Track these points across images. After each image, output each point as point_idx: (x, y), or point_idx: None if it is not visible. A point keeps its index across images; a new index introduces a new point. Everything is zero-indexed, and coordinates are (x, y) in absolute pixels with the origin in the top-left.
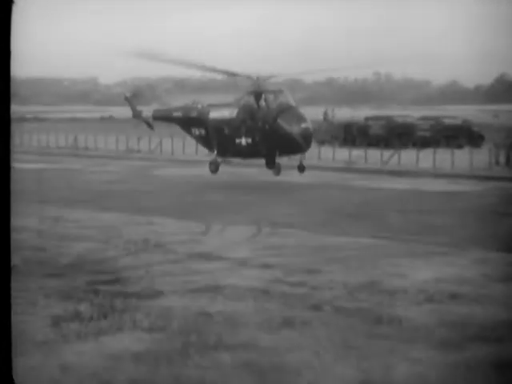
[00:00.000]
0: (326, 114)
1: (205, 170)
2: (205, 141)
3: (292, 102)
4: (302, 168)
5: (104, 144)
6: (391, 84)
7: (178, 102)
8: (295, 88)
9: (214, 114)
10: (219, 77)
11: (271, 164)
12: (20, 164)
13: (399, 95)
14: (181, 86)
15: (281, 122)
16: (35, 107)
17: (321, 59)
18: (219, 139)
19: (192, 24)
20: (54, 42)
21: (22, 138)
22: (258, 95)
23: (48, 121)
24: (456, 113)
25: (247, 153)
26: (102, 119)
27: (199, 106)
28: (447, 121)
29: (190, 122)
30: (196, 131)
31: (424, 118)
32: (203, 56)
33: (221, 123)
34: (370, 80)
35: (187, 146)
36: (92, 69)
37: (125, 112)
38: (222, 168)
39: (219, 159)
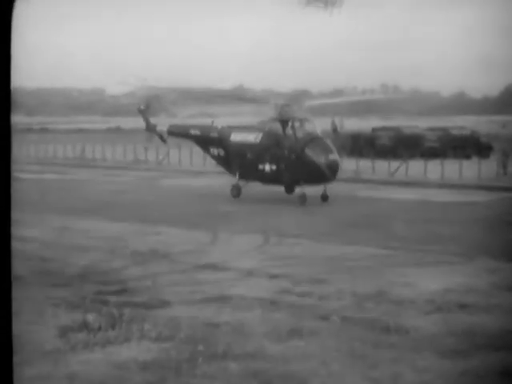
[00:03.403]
0: (333, 124)
1: (212, 181)
2: (224, 162)
3: (318, 132)
4: (325, 197)
5: (111, 154)
6: (399, 95)
7: (185, 113)
8: (302, 99)
9: (236, 137)
10: (226, 89)
11: (290, 191)
12: (27, 175)
13: (407, 106)
14: (187, 96)
15: (308, 152)
16: (42, 118)
17: (329, 72)
18: (241, 163)
19: (198, 34)
20: (61, 53)
21: (29, 149)
22: (284, 122)
23: (55, 131)
24: (464, 123)
25: (270, 179)
26: (110, 130)
27: (219, 127)
28: (455, 131)
29: (208, 141)
30: (215, 151)
31: (432, 129)
32: (209, 68)
33: (243, 147)
34: (377, 91)
35: (195, 157)
36: (99, 79)
37: (132, 123)
38: (229, 179)
39: (241, 183)
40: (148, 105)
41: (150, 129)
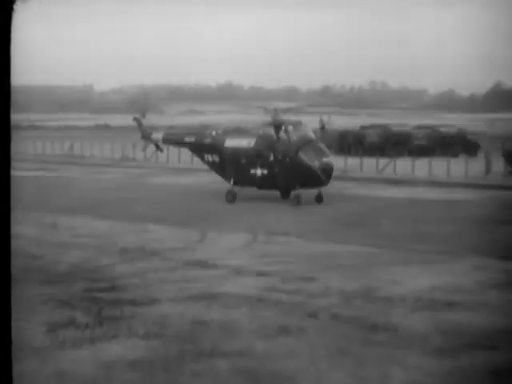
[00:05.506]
0: (321, 122)
1: (200, 178)
2: (219, 168)
3: (312, 135)
4: (320, 198)
5: (99, 152)
6: (387, 92)
7: (173, 110)
8: (290, 97)
9: (231, 143)
10: (214, 86)
11: (286, 196)
12: (16, 172)
13: (395, 104)
14: (176, 93)
15: (302, 155)
16: (31, 115)
17: (319, 68)
18: (236, 168)
19: (190, 32)
20: (50, 50)
21: (17, 146)
22: (277, 126)
23: (44, 129)
24: (452, 121)
25: (265, 184)
26: (98, 127)
27: (213, 133)
28: (443, 129)
29: (203, 148)
30: (209, 158)
31: (420, 127)
32: (200, 64)
33: (238, 152)
34: (365, 88)
35: (182, 154)
36: (87, 76)
37: (120, 120)
38: (216, 177)
39: (236, 189)
40: (143, 114)
41: (146, 137)
